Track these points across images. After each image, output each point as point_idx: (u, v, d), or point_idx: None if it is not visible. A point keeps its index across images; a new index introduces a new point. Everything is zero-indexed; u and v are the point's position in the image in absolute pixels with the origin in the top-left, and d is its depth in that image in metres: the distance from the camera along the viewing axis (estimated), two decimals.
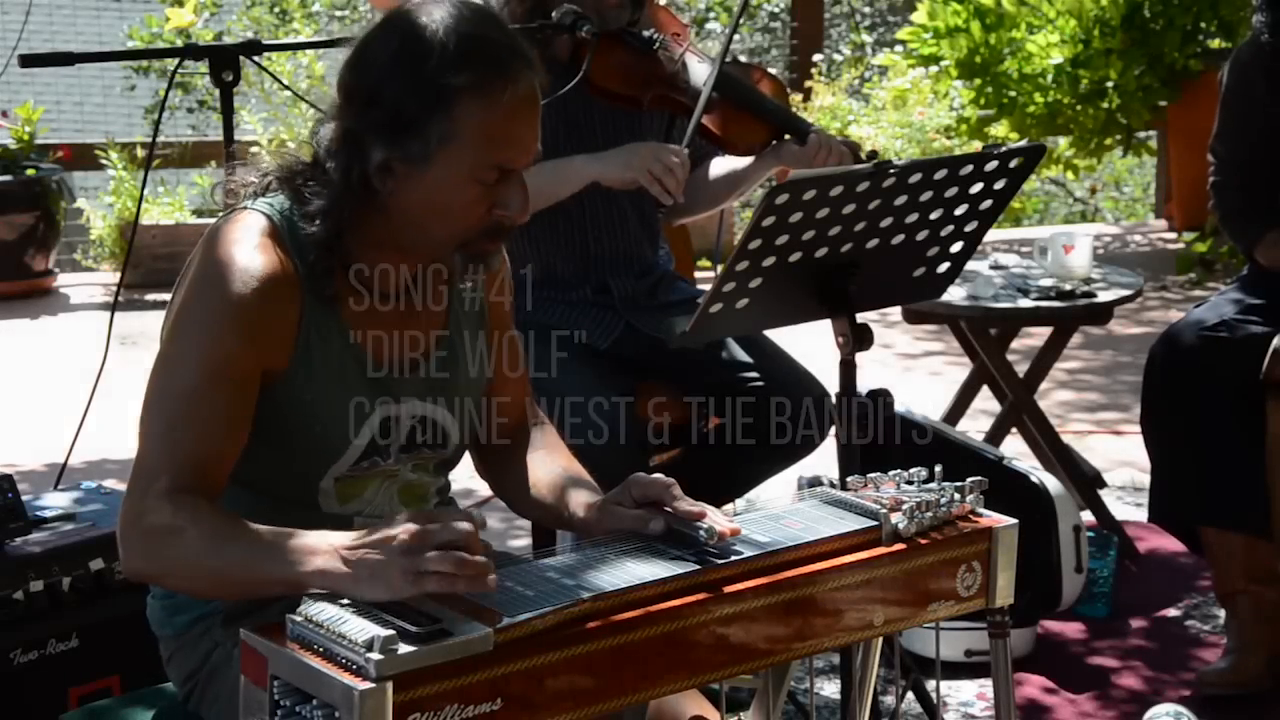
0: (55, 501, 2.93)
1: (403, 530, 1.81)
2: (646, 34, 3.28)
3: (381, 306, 2.17)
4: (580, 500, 2.16)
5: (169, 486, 1.98)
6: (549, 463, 2.29)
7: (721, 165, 3.41)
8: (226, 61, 3.05)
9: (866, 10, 13.00)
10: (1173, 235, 8.32)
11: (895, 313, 4.72)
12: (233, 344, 2.03)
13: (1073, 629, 3.86)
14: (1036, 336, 5.04)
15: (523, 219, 2.12)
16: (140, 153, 7.47)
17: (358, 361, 2.14)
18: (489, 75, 2.01)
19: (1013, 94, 7.80)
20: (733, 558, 1.92)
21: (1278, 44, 3.57)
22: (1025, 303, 4.15)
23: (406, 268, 2.17)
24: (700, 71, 3.28)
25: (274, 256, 2.06)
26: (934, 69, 7.97)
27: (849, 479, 2.13)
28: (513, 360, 2.36)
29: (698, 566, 1.90)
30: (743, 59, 10.14)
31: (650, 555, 1.94)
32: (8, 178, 7.22)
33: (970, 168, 2.48)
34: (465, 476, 2.49)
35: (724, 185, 3.40)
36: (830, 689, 3.53)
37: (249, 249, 2.06)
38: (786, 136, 3.26)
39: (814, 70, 8.17)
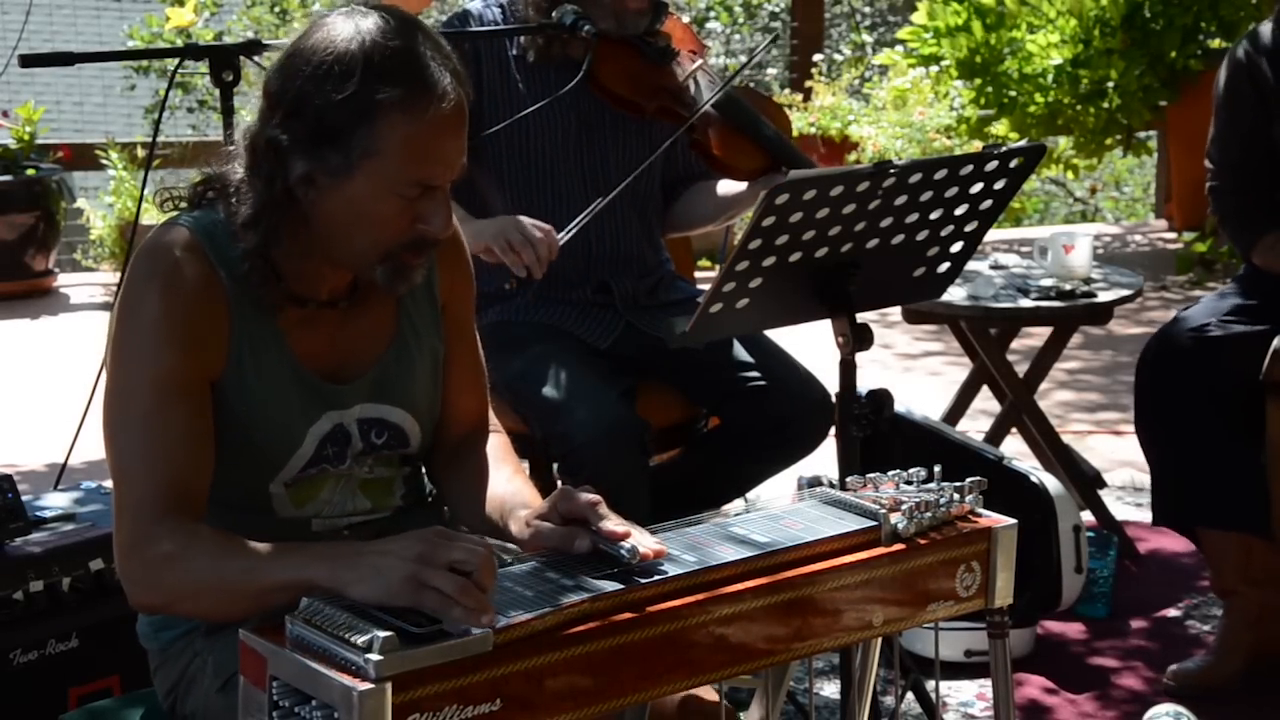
0: (55, 501, 2.93)
1: (419, 539, 1.80)
2: (661, 45, 3.29)
3: (321, 316, 2.15)
4: (516, 518, 2.11)
5: (157, 513, 1.98)
6: (494, 474, 2.25)
7: (717, 189, 3.41)
8: (226, 61, 3.05)
9: (866, 10, 13.00)
10: (1173, 235, 8.32)
11: (895, 313, 4.72)
12: (173, 358, 2.03)
13: (1073, 629, 3.86)
14: (1036, 336, 5.04)
15: (444, 235, 2.10)
16: (140, 153, 7.47)
17: (295, 370, 2.13)
18: (413, 91, 1.99)
19: (1013, 94, 7.80)
20: (732, 558, 1.92)
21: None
22: (1025, 303, 4.15)
23: (346, 276, 2.16)
24: (709, 93, 3.28)
25: (196, 269, 2.06)
26: (934, 69, 7.97)
27: (848, 479, 2.13)
28: (473, 364, 2.34)
29: (697, 567, 1.90)
30: (742, 59, 10.15)
31: None
32: (8, 178, 7.22)
33: (970, 168, 2.48)
34: None
35: (717, 207, 3.40)
36: (830, 689, 3.53)
37: (168, 261, 2.05)
38: (784, 169, 3.25)
39: (814, 70, 8.17)
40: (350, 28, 2.01)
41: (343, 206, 2.04)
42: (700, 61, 3.33)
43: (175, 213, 2.14)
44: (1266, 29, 3.63)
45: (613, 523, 1.94)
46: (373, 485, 2.23)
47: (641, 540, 1.91)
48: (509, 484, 2.22)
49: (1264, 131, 3.59)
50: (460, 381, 2.31)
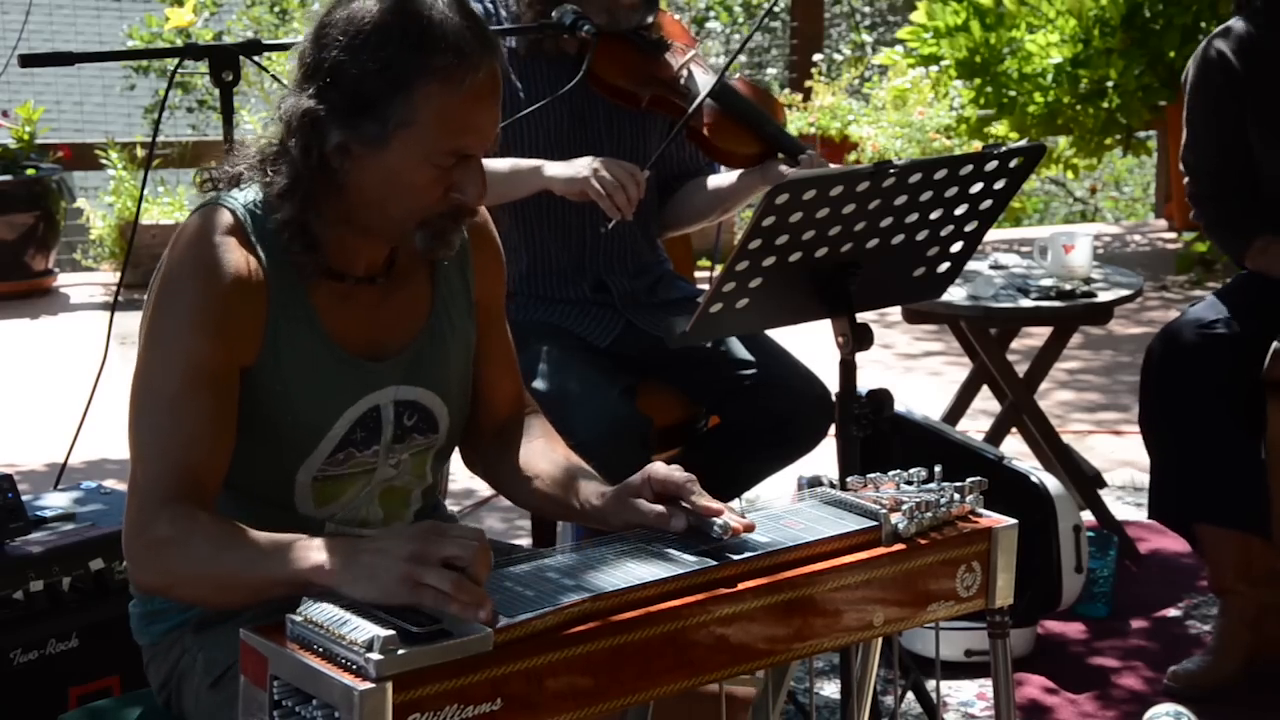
0: (55, 501, 2.93)
1: (412, 536, 1.81)
2: (655, 38, 3.30)
3: (358, 292, 2.16)
4: (590, 490, 2.15)
5: (166, 497, 1.98)
6: (550, 453, 2.28)
7: (710, 181, 3.42)
8: (226, 61, 3.05)
9: (866, 10, 13.00)
10: (1173, 235, 8.33)
11: (895, 313, 4.73)
12: (205, 345, 2.03)
13: (1073, 629, 3.86)
14: (1036, 336, 5.04)
15: (479, 204, 2.12)
16: (140, 152, 7.47)
17: (330, 350, 2.13)
18: (449, 62, 2.00)
19: (1013, 94, 7.80)
20: (733, 558, 1.92)
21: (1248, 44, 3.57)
22: (1025, 303, 4.15)
23: (383, 251, 2.17)
24: (703, 81, 3.29)
25: (236, 252, 2.06)
26: (934, 69, 7.97)
27: (849, 479, 2.13)
28: (506, 350, 2.36)
29: (697, 567, 1.90)
30: (742, 59, 10.14)
31: (650, 555, 1.94)
32: (8, 178, 7.22)
33: (970, 168, 2.48)
34: (466, 476, 2.48)
35: (711, 200, 3.41)
36: (830, 689, 3.53)
37: (210, 247, 2.06)
38: (779, 156, 3.26)
39: (814, 70, 8.17)
40: None
41: (378, 175, 2.04)
42: (693, 53, 3.35)
43: (214, 193, 2.14)
44: (1236, 24, 3.62)
45: (706, 499, 1.99)
46: (391, 495, 2.24)
47: (731, 517, 1.96)
48: (569, 460, 2.25)
49: (1241, 132, 3.57)
50: (497, 365, 2.33)
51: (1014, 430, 4.47)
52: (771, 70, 10.46)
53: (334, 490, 2.18)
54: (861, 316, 2.52)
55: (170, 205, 7.54)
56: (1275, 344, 3.42)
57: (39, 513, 2.84)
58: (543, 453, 2.29)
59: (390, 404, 2.18)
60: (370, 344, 2.17)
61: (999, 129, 7.89)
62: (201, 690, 2.12)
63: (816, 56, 8.36)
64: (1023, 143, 2.60)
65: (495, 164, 3.15)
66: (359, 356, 2.16)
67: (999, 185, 2.54)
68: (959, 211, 2.54)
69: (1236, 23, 3.62)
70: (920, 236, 2.55)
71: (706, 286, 2.53)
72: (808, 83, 8.11)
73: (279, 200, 2.07)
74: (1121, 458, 5.02)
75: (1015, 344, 4.64)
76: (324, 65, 2.03)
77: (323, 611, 1.74)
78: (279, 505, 2.15)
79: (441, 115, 2.01)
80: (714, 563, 1.91)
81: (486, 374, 2.32)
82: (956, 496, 2.08)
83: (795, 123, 7.65)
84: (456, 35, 2.01)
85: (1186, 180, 3.70)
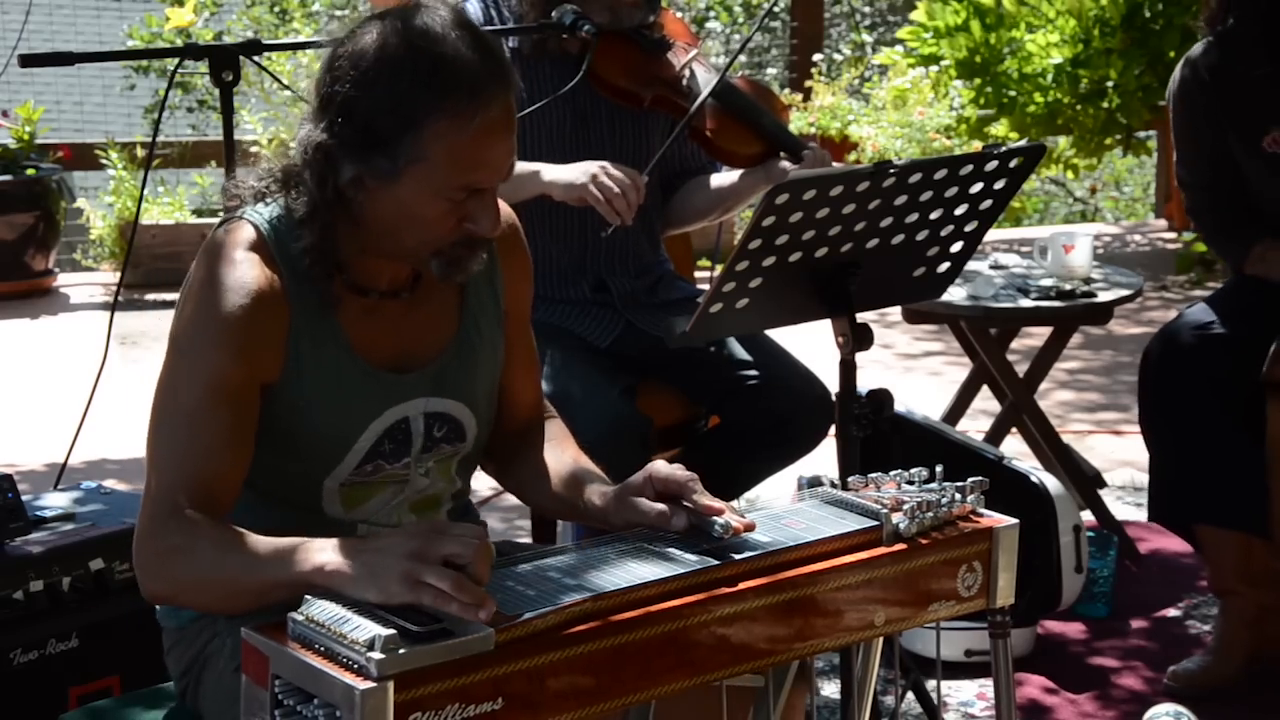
0: (55, 501, 2.94)
1: (413, 534, 1.81)
2: (657, 37, 3.30)
3: (384, 306, 2.17)
4: (592, 490, 2.17)
5: (176, 507, 1.99)
6: (559, 454, 2.30)
7: (713, 180, 3.42)
8: (226, 61, 3.05)
9: (866, 10, 13.00)
10: (1173, 235, 8.33)
11: (895, 313, 4.73)
12: (226, 362, 2.04)
13: (1073, 629, 3.86)
14: (1036, 336, 5.04)
15: (493, 234, 2.12)
16: (140, 152, 7.47)
17: (354, 364, 2.14)
18: (460, 99, 2.00)
19: (1013, 94, 7.79)
20: (734, 557, 1.92)
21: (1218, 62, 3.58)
22: (1025, 303, 4.15)
23: (407, 268, 2.18)
24: (705, 80, 3.29)
25: (259, 269, 2.07)
26: (934, 69, 7.97)
27: (849, 479, 2.13)
28: (530, 355, 2.37)
29: (698, 566, 1.90)
30: (742, 59, 10.14)
31: (651, 555, 1.94)
32: (8, 178, 7.22)
33: (970, 168, 2.48)
34: None
35: (713, 199, 3.40)
36: (830, 689, 3.53)
37: (234, 264, 2.07)
38: (781, 155, 3.26)
39: (814, 70, 8.17)
40: (398, 31, 2.02)
41: (391, 208, 2.05)
42: (695, 51, 3.35)
43: (240, 207, 2.14)
44: (1211, 43, 3.63)
45: (708, 498, 2.00)
46: (425, 501, 2.25)
47: (732, 516, 1.97)
48: (576, 461, 2.27)
49: (1225, 146, 3.59)
50: (520, 371, 2.34)
51: (1014, 430, 4.47)
52: (771, 70, 10.46)
53: (361, 494, 2.19)
54: (861, 316, 2.52)
55: (170, 205, 7.54)
56: (1276, 342, 3.42)
57: (39, 513, 2.84)
58: (551, 454, 2.30)
59: (420, 416, 2.19)
60: (397, 356, 2.18)
61: (999, 129, 7.89)
62: (226, 673, 2.12)
63: (816, 56, 8.35)
64: (1023, 143, 2.60)
65: None
66: (384, 370, 2.17)
67: (999, 185, 2.54)
68: (959, 211, 2.55)
69: (1211, 41, 3.64)
70: (920, 236, 2.55)
71: (706, 286, 2.52)
72: (808, 83, 8.10)
73: (299, 226, 2.09)
74: (1121, 458, 5.02)
75: (1015, 344, 4.64)
76: (336, 99, 2.03)
77: (324, 610, 1.74)
78: (306, 508, 2.16)
79: (452, 153, 2.01)
80: (715, 562, 1.91)
81: (510, 379, 2.33)
82: (957, 496, 2.08)
83: (795, 123, 7.64)
84: (468, 72, 2.00)
85: (1184, 196, 3.73)
